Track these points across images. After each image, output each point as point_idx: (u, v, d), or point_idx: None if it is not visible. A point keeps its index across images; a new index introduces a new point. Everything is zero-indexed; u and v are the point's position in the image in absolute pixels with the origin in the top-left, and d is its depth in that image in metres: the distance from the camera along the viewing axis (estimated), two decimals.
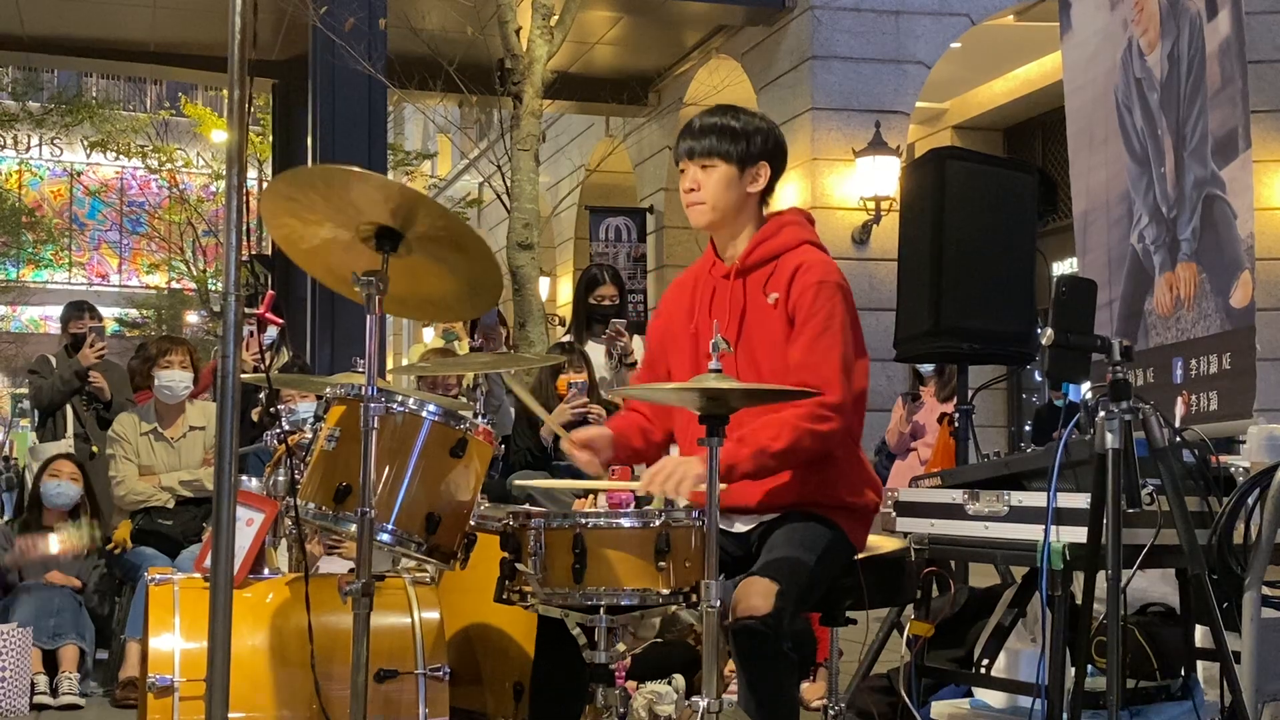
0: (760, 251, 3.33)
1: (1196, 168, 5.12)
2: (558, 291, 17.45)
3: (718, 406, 2.88)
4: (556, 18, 8.44)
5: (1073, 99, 6.13)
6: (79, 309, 7.26)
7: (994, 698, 4.04)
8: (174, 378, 5.95)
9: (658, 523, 2.96)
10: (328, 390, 3.37)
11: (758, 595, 2.95)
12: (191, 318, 27.48)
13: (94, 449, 6.65)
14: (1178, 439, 3.41)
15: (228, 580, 2.53)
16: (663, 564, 2.93)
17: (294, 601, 3.54)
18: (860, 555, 3.31)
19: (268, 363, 4.21)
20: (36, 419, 7.26)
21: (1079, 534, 3.20)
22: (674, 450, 3.54)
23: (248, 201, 2.60)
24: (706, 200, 3.32)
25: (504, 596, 3.10)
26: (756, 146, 3.32)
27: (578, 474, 5.65)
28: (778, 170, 3.39)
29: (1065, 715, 3.22)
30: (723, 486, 2.95)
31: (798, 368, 3.16)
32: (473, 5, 8.91)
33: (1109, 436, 3.10)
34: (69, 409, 6.84)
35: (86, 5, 12.36)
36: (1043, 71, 13.08)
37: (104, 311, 7.82)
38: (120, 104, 27.99)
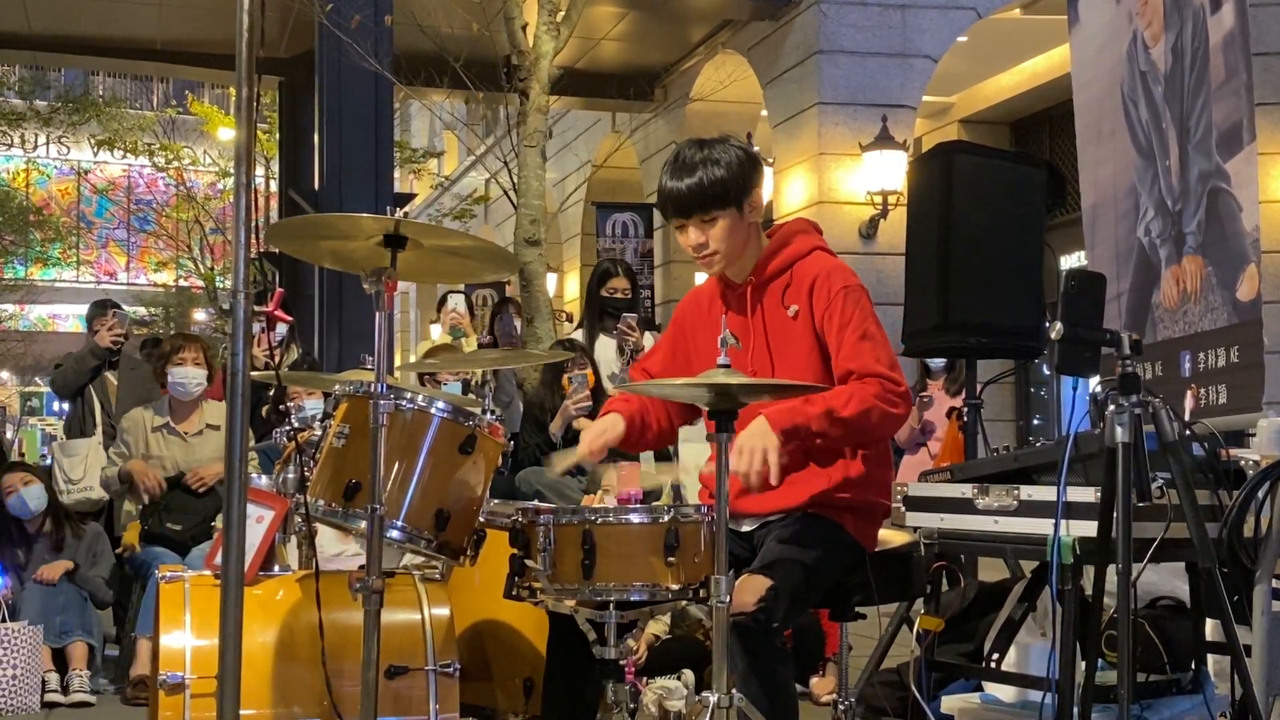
0: (775, 263, 3.33)
1: (1201, 161, 5.11)
2: (565, 288, 17.45)
3: (726, 401, 2.89)
4: (562, 14, 8.43)
5: (1081, 93, 6.12)
6: (102, 307, 7.28)
7: (1004, 692, 4.03)
8: (187, 374, 5.96)
9: (666, 518, 2.97)
10: (336, 387, 3.37)
11: (748, 592, 2.98)
12: (199, 315, 27.54)
13: None
14: (1187, 432, 3.40)
15: (238, 577, 2.53)
16: (672, 559, 2.94)
17: (304, 598, 3.54)
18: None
19: (277, 360, 4.22)
20: (66, 417, 7.27)
21: (1089, 528, 3.19)
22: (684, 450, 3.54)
23: (255, 199, 2.60)
24: (720, 250, 3.28)
25: (513, 593, 3.10)
26: (745, 178, 3.26)
27: (585, 472, 5.69)
28: (761, 183, 3.36)
29: (1076, 709, 3.21)
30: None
31: (853, 365, 3.17)
32: (479, 2, 8.90)
33: (1119, 430, 3.10)
34: (96, 405, 6.85)
35: (93, 4, 12.37)
36: (1050, 65, 13.06)
37: None
38: (127, 102, 28.06)
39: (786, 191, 12.23)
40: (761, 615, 2.96)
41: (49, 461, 6.63)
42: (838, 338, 3.21)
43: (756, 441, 3.05)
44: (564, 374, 5.88)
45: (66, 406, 7.24)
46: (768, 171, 12.38)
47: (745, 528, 3.31)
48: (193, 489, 5.83)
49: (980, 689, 4.19)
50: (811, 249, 3.35)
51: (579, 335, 6.55)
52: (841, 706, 3.48)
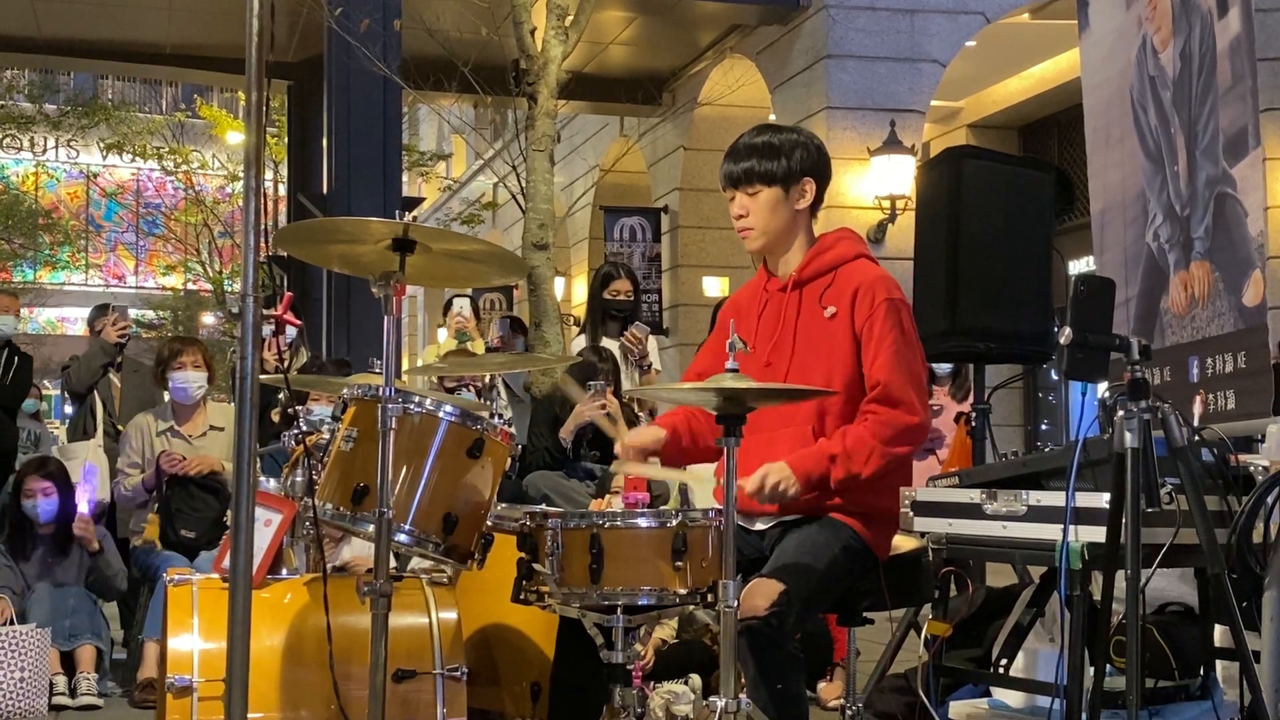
0: (816, 264, 3.36)
1: (1208, 166, 5.09)
2: (573, 291, 17.46)
3: (734, 406, 2.89)
4: (571, 18, 8.43)
5: (1090, 97, 6.10)
6: (102, 310, 7.32)
7: (1012, 697, 4.02)
8: (188, 378, 5.97)
9: (675, 522, 2.97)
10: (345, 391, 3.37)
11: (760, 596, 2.98)
12: (208, 319, 27.58)
13: None
14: (1196, 438, 3.39)
15: (246, 581, 2.54)
16: (680, 564, 2.94)
17: (312, 602, 3.55)
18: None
19: (287, 364, 4.22)
20: (70, 420, 7.29)
21: (1097, 533, 3.19)
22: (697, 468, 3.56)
23: (264, 203, 2.60)
24: (755, 226, 3.34)
25: (521, 596, 3.10)
26: (797, 163, 3.32)
27: (594, 476, 5.69)
28: (822, 184, 3.39)
29: (1084, 715, 3.21)
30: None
31: (880, 387, 3.22)
32: (487, 6, 8.91)
33: (1128, 436, 3.09)
34: (99, 407, 6.87)
35: (102, 8, 12.40)
36: (1058, 69, 13.04)
37: None
38: (136, 106, 28.13)
39: None
40: (774, 620, 2.95)
41: None
42: (874, 349, 3.25)
43: (778, 477, 3.12)
44: (589, 380, 5.86)
45: (70, 410, 7.28)
46: None
47: (758, 526, 3.31)
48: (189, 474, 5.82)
49: (988, 694, 4.18)
50: (856, 255, 3.39)
51: (582, 340, 6.55)
52: (849, 712, 3.48)
